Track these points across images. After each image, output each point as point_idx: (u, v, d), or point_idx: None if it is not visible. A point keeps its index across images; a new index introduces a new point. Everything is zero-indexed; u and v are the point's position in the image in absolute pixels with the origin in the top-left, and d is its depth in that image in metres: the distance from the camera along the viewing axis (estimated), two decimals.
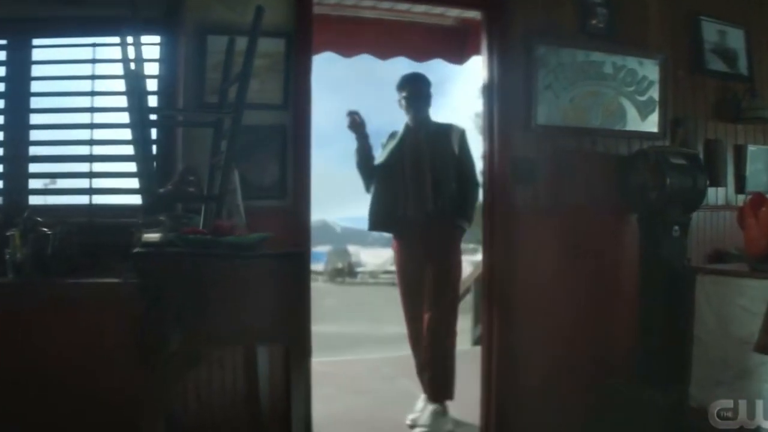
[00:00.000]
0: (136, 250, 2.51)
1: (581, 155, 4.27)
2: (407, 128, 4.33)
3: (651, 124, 4.55)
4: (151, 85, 3.63)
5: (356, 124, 4.19)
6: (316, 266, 25.21)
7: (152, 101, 3.60)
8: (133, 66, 2.80)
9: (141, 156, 2.79)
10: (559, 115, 4.23)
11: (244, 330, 2.45)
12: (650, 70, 4.52)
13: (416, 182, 4.21)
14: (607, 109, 4.40)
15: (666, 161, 4.20)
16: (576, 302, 4.19)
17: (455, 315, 4.24)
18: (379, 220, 4.25)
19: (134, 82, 2.77)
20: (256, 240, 2.55)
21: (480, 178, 4.25)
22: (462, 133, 4.33)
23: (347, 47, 4.88)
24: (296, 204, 3.72)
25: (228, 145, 2.74)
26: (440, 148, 4.23)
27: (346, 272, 23.82)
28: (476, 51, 4.58)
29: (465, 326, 7.54)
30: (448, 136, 4.28)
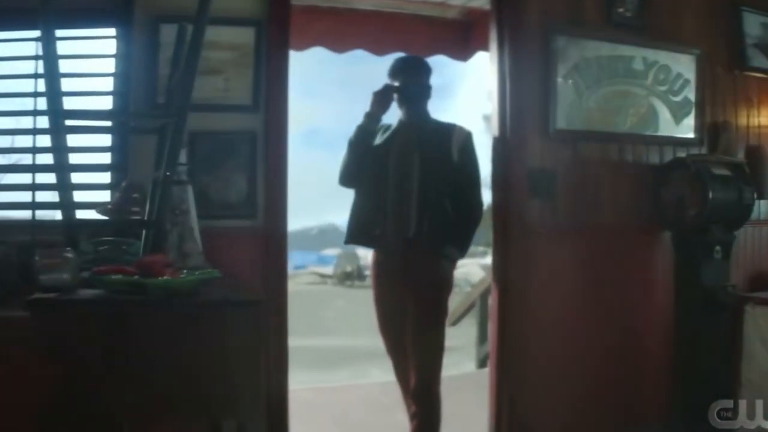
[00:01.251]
0: (34, 295, 1.91)
1: (607, 165, 3.87)
2: (399, 125, 3.41)
3: (686, 128, 4.11)
4: (108, 84, 3.20)
5: (387, 94, 3.33)
6: (326, 269, 25.32)
7: (109, 103, 3.19)
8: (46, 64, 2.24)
9: (59, 166, 2.21)
10: (582, 119, 3.80)
11: (175, 404, 1.85)
12: (685, 67, 4.08)
13: (398, 195, 3.29)
14: (636, 111, 3.97)
15: (707, 172, 3.76)
16: (600, 336, 3.79)
17: (440, 359, 3.39)
18: (356, 233, 3.38)
19: (49, 81, 2.19)
20: (192, 283, 1.95)
21: (486, 192, 3.62)
22: (466, 137, 3.35)
23: (339, 42, 4.44)
24: (269, 224, 3.22)
25: (168, 156, 2.20)
26: (435, 154, 3.29)
27: (354, 275, 23.91)
28: (482, 46, 4.28)
29: (468, 343, 7.28)
30: (448, 139, 3.31)
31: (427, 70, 3.45)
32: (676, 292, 3.89)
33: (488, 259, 3.90)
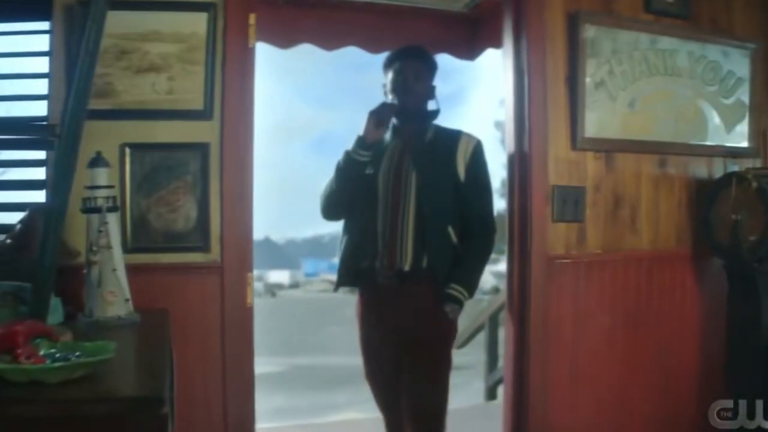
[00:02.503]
0: None
1: (646, 180, 3.43)
2: (393, 133, 2.84)
3: (739, 136, 3.61)
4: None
5: (385, 114, 2.73)
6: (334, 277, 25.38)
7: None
8: None
9: None
10: (616, 125, 3.33)
11: None
12: (738, 63, 3.59)
13: (391, 221, 2.74)
14: (681, 115, 3.47)
15: None
16: (636, 386, 3.37)
17: (443, 425, 2.75)
18: (342, 273, 2.82)
19: None
20: (63, 369, 1.34)
21: (498, 215, 3.07)
22: (475, 148, 2.80)
23: (330, 39, 3.94)
24: (228, 258, 2.65)
25: (55, 179, 1.59)
26: (436, 169, 2.76)
27: None
28: (491, 42, 3.94)
29: (477, 360, 6.93)
30: (452, 150, 2.78)
31: (427, 62, 2.89)
32: (729, 336, 3.39)
33: (501, 266, 3.41)
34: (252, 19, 2.69)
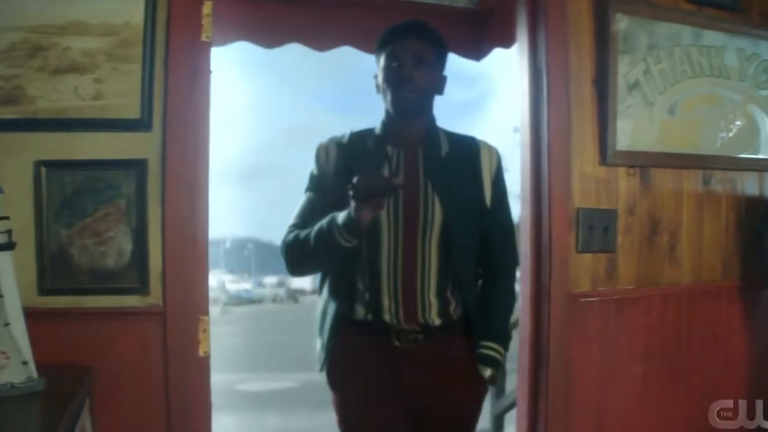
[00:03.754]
0: None
1: (689, 200, 3.08)
2: (387, 139, 2.10)
3: None
4: None
5: (384, 191, 1.90)
6: None
7: None
8: None
9: None
10: (653, 136, 2.96)
11: None
12: None
13: (405, 262, 2.05)
14: (730, 124, 3.13)
15: None
16: None
17: None
18: (337, 331, 2.08)
19: None
20: None
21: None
22: (498, 162, 2.20)
23: (320, 38, 3.67)
24: (171, 301, 2.20)
25: None
26: (463, 193, 2.11)
27: None
28: (500, 41, 3.74)
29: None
30: (476, 167, 2.14)
31: (436, 46, 2.12)
32: None
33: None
34: (207, 8, 2.25)
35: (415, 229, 2.02)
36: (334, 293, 2.08)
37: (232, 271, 61.35)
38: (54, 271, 2.10)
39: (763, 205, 3.16)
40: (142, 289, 2.18)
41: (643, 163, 2.92)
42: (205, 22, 2.24)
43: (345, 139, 2.10)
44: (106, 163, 2.16)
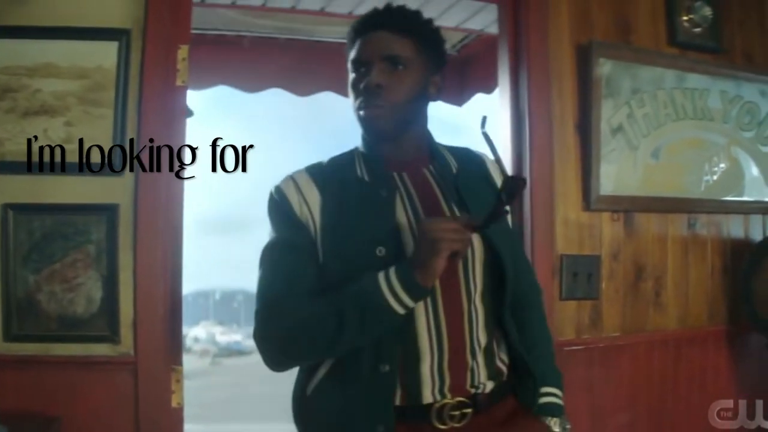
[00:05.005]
0: None
1: (674, 245, 3.05)
2: (379, 158, 1.62)
3: None
4: None
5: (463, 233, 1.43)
6: None
7: None
8: None
9: None
10: (637, 179, 2.94)
11: None
12: None
13: (449, 318, 1.54)
14: (714, 167, 3.11)
15: None
16: None
17: None
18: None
19: None
20: None
21: None
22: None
23: (302, 84, 3.74)
24: (143, 350, 2.14)
25: None
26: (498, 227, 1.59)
27: None
28: (481, 86, 3.84)
29: None
30: (487, 179, 1.75)
31: (421, 36, 1.62)
32: None
33: None
34: (183, 52, 2.21)
35: (453, 270, 1.52)
36: (338, 382, 1.53)
37: (221, 323, 61.22)
38: (21, 317, 2.04)
39: (748, 249, 3.11)
40: (113, 337, 2.11)
41: (627, 207, 2.89)
42: (181, 66, 2.19)
43: (324, 170, 1.62)
44: (76, 207, 2.11)
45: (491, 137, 1.51)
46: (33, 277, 2.07)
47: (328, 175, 1.59)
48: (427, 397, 1.50)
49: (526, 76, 2.73)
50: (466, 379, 1.54)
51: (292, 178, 1.57)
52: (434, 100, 1.66)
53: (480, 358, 1.56)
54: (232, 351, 43.79)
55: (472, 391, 1.54)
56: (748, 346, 3.13)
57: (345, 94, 3.47)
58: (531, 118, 2.72)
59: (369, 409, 1.48)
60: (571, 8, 2.85)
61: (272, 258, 1.54)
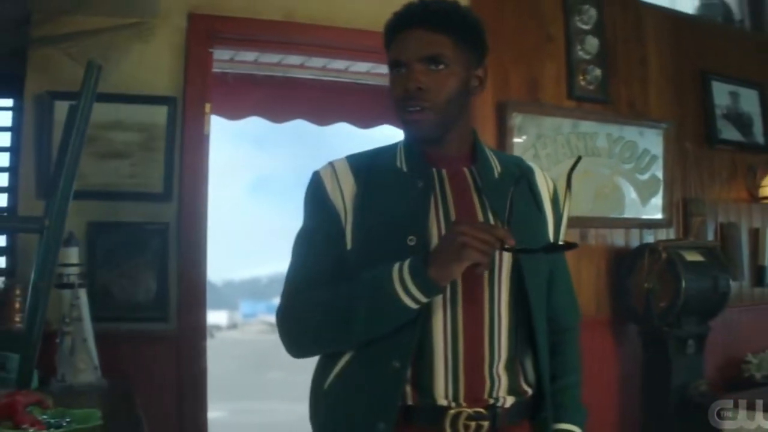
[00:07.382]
0: None
1: (570, 252, 3.20)
2: (419, 153, 1.51)
3: (654, 208, 3.83)
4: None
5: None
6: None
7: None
8: None
9: None
10: None
11: None
12: (652, 142, 3.81)
13: (467, 320, 1.42)
14: (600, 191, 3.66)
15: (679, 259, 3.42)
16: None
17: None
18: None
19: None
20: None
21: None
22: (555, 189, 1.65)
23: (278, 112, 3.94)
24: (184, 327, 2.81)
25: (41, 259, 1.91)
26: (530, 227, 1.53)
27: None
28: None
29: None
30: (536, 194, 1.59)
31: (463, 33, 1.46)
32: (643, 393, 3.52)
33: None
34: (207, 108, 2.86)
35: (479, 276, 1.40)
36: (351, 377, 1.43)
37: None
38: (101, 303, 2.58)
39: (627, 255, 3.58)
40: (163, 318, 2.75)
41: None
42: (206, 119, 2.86)
43: (364, 159, 1.52)
44: (140, 224, 2.74)
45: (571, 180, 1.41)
46: (109, 275, 2.67)
47: (367, 163, 1.50)
48: (441, 400, 1.39)
49: None
50: (484, 388, 1.41)
51: (331, 164, 1.50)
52: (474, 93, 1.52)
53: (500, 370, 1.43)
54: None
55: (490, 401, 1.41)
56: (626, 333, 3.59)
57: (315, 122, 3.80)
58: None
59: (373, 406, 1.38)
60: (493, 74, 3.31)
61: (298, 246, 1.50)
